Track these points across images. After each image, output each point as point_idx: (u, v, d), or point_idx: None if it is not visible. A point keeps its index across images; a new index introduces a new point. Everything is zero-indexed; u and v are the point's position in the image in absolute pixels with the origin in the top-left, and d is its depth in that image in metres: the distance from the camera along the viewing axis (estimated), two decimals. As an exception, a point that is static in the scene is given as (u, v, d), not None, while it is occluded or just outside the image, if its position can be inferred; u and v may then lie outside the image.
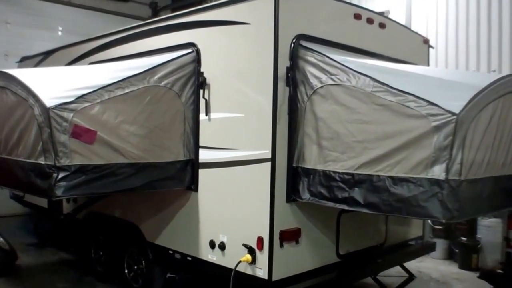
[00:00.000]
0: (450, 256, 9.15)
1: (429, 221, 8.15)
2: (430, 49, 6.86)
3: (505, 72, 8.81)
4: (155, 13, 15.67)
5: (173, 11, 14.67)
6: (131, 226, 6.13)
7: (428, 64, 6.78)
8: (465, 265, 8.54)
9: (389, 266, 6.07)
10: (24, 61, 9.79)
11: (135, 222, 6.10)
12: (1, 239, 7.53)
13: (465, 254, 8.62)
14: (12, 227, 10.36)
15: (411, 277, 6.73)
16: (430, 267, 8.48)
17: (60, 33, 13.45)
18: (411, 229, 6.57)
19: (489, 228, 8.49)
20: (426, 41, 6.70)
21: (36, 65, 8.82)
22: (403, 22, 8.20)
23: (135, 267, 6.31)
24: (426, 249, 6.75)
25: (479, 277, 5.45)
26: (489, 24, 9.14)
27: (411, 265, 6.79)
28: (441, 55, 9.63)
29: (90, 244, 7.35)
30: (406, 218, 6.30)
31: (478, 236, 8.65)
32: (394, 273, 6.55)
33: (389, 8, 9.54)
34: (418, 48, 6.56)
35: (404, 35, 6.32)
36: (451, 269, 8.59)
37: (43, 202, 7.95)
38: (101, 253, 7.12)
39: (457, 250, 8.87)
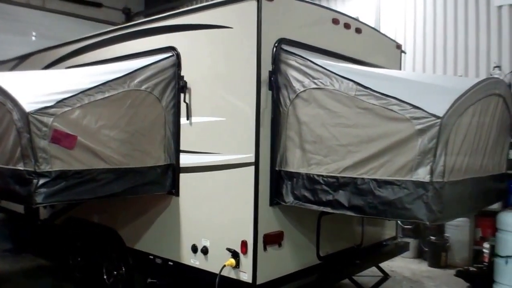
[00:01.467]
0: (419, 255, 9.40)
1: (399, 221, 8.32)
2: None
3: (471, 76, 9.11)
4: (128, 18, 15.79)
5: (146, 17, 14.69)
6: (110, 231, 6.04)
7: (400, 69, 6.94)
8: (434, 263, 8.80)
9: (367, 267, 6.15)
10: None
11: (114, 228, 6.01)
12: None
13: (434, 252, 8.87)
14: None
15: (385, 276, 6.85)
16: (402, 266, 8.67)
17: (34, 38, 13.28)
18: (385, 230, 6.71)
19: (457, 227, 8.76)
20: (398, 46, 6.85)
21: (11, 69, 8.56)
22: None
23: (115, 272, 6.23)
24: (400, 249, 6.88)
25: (455, 275, 5.61)
26: (455, 31, 9.42)
27: (383, 264, 6.92)
28: (409, 60, 9.86)
29: (68, 250, 7.23)
30: (381, 220, 6.46)
31: (446, 235, 8.91)
32: (368, 273, 6.65)
33: (358, 14, 9.68)
34: (391, 53, 6.70)
35: (378, 40, 6.44)
36: (421, 267, 8.82)
37: (19, 207, 7.74)
38: (79, 259, 7.00)
39: (426, 249, 9.12)
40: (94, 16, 14.89)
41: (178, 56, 5.18)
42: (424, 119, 3.60)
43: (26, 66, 8.14)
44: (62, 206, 6.85)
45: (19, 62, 8.55)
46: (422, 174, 3.65)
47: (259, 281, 4.53)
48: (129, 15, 16.00)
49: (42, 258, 8.68)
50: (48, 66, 7.32)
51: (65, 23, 13.82)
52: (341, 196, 4.13)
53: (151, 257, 5.50)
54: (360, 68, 4.89)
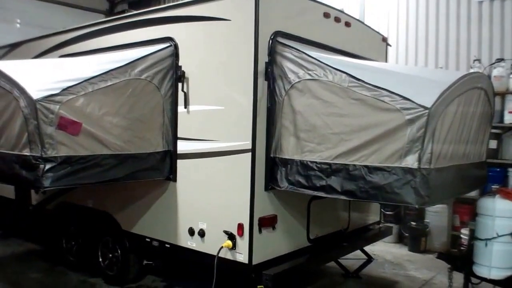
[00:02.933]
0: (400, 239, 9.72)
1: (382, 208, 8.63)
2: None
3: (451, 68, 9.42)
4: (112, 6, 15.84)
5: (129, 5, 14.86)
6: (106, 215, 6.22)
7: (386, 61, 7.21)
8: (414, 247, 9.12)
9: (353, 250, 6.44)
10: None
11: (109, 212, 6.20)
12: None
13: (414, 237, 9.19)
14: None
15: (369, 259, 7.16)
16: (383, 250, 8.99)
17: (18, 25, 13.19)
18: (370, 215, 7.02)
19: (436, 214, 9.10)
20: (384, 39, 7.11)
21: (1, 58, 8.53)
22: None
23: (110, 255, 6.42)
24: (383, 233, 7.21)
25: (437, 257, 5.91)
26: (437, 24, 9.66)
27: (366, 248, 7.21)
28: (392, 52, 10.08)
29: (61, 235, 7.35)
30: (366, 205, 6.77)
31: (426, 220, 9.25)
32: (352, 256, 6.93)
33: (343, 6, 9.91)
34: (378, 45, 6.96)
35: (365, 33, 6.68)
36: (402, 251, 9.15)
37: (9, 193, 7.79)
38: (73, 243, 7.14)
39: (407, 234, 9.45)
40: (78, 4, 14.84)
41: (176, 46, 5.36)
42: (413, 109, 3.85)
43: (18, 55, 8.11)
44: (54, 191, 6.96)
45: (10, 50, 8.51)
46: (410, 161, 3.91)
47: (255, 261, 4.78)
48: (113, 3, 16.04)
49: (34, 243, 8.73)
50: (41, 54, 7.36)
51: (49, 10, 13.76)
52: (334, 182, 4.37)
53: (148, 239, 5.71)
54: (352, 60, 5.13)
